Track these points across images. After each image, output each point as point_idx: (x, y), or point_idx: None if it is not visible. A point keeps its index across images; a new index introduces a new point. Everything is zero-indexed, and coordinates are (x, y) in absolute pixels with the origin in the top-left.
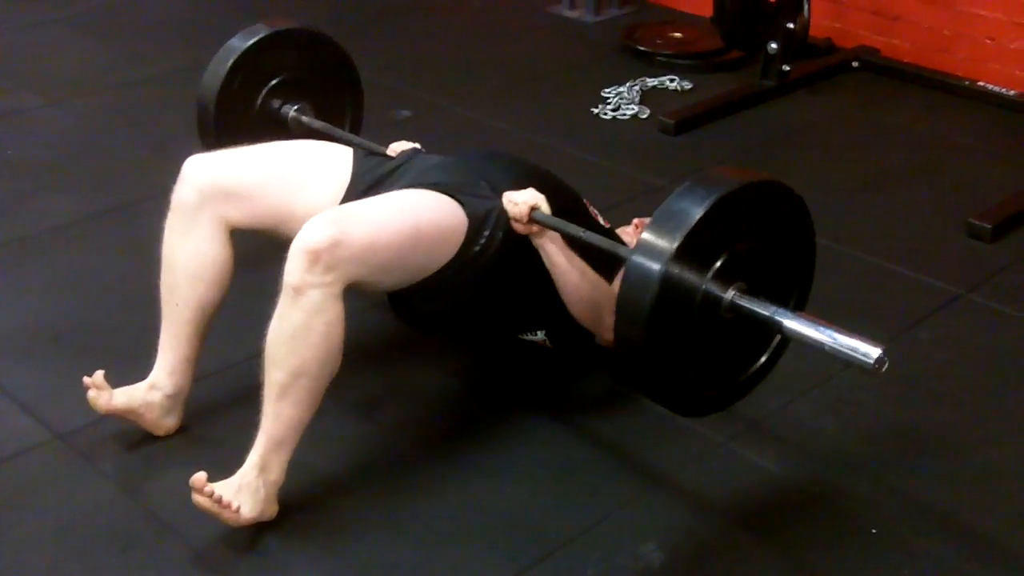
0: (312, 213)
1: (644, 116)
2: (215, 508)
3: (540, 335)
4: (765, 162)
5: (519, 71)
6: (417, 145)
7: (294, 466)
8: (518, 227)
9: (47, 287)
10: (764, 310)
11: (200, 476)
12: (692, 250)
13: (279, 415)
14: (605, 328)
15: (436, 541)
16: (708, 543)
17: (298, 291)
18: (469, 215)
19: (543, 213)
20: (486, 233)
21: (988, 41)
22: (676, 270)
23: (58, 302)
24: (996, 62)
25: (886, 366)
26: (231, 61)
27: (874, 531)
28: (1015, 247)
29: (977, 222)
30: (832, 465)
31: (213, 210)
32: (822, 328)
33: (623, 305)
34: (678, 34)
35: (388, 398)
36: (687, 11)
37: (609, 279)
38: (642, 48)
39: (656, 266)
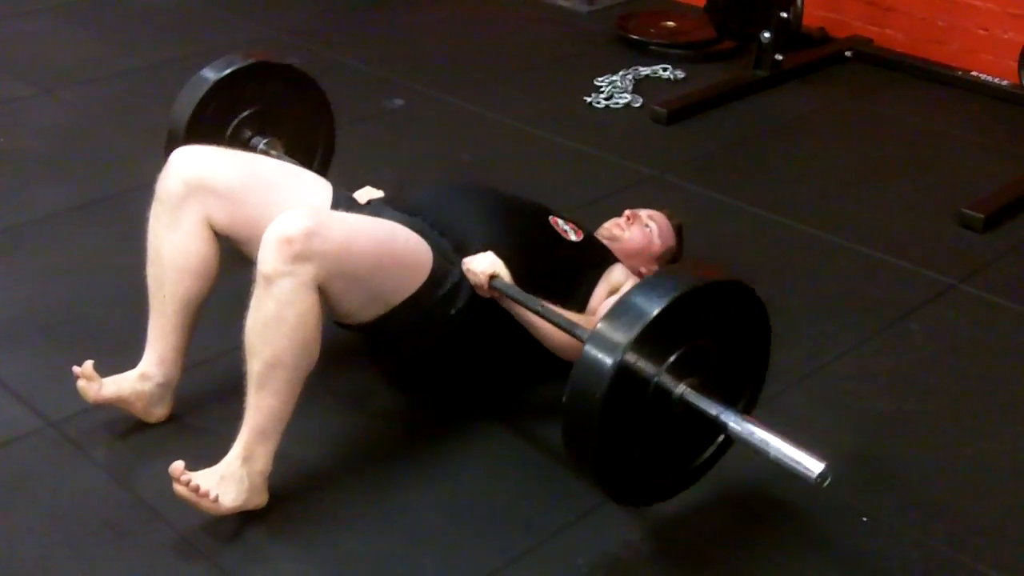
0: None
1: (637, 105)
2: (193, 497)
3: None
4: (757, 153)
5: (512, 60)
6: (380, 192)
7: (281, 456)
8: (480, 292)
9: (38, 276)
10: (712, 409)
11: (178, 465)
12: (647, 344)
13: (259, 406)
14: None
15: (425, 532)
16: (699, 531)
17: (269, 280)
18: (435, 261)
19: (502, 281)
20: (448, 286)
21: (981, 31)
22: (630, 362)
23: (49, 291)
24: (989, 52)
25: (828, 482)
26: (204, 91)
27: (865, 519)
28: (1008, 238)
29: (970, 212)
30: (825, 456)
31: (198, 203)
32: (766, 436)
33: (574, 394)
34: (671, 23)
35: (376, 390)
36: (680, 0)
37: (583, 304)
38: (635, 37)
39: (609, 359)
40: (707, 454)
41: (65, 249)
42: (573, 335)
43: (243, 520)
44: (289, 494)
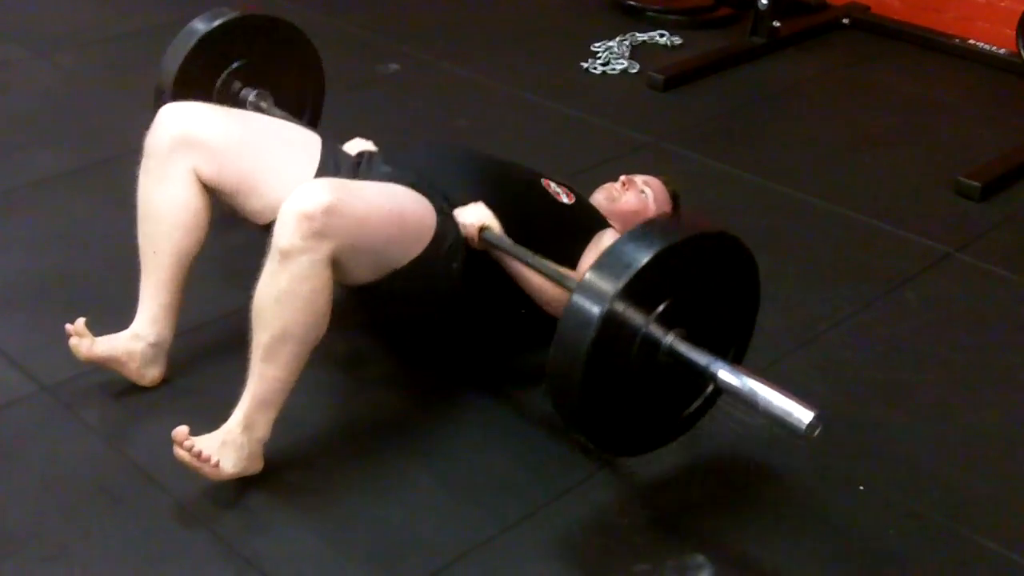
0: (276, 190)
1: (634, 71)
2: (195, 462)
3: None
4: (753, 120)
5: (508, 25)
6: (370, 143)
7: (279, 422)
8: (471, 244)
9: (32, 240)
10: (700, 359)
11: (182, 430)
12: (635, 294)
13: (264, 376)
14: None
15: (421, 498)
16: (695, 500)
17: (286, 255)
18: (437, 221)
19: (492, 232)
20: (448, 243)
21: None
22: (617, 311)
23: (43, 255)
24: (986, 21)
25: (818, 431)
26: (192, 43)
27: (861, 488)
28: (1004, 206)
29: (966, 180)
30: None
31: (186, 156)
32: (755, 384)
33: (560, 342)
34: None
35: (375, 356)
36: None
37: (573, 266)
38: (632, 3)
39: (596, 308)
40: (695, 405)
41: (59, 213)
42: (562, 286)
43: (240, 486)
44: (287, 461)
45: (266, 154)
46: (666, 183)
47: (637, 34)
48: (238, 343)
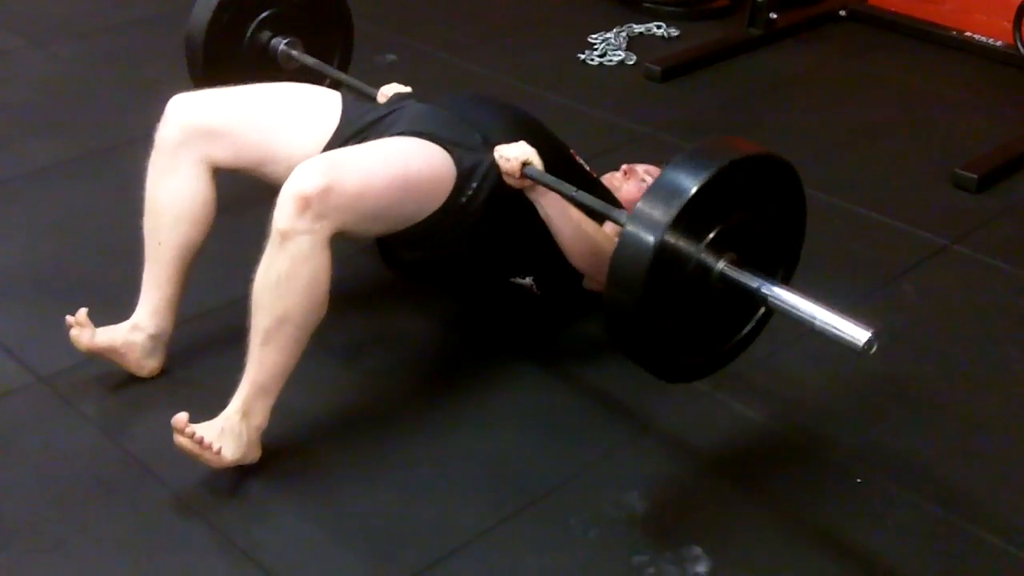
0: (295, 156)
1: (631, 63)
2: (196, 449)
3: (528, 280)
4: (751, 111)
5: (505, 16)
6: (408, 89)
7: (277, 411)
8: (510, 181)
9: (30, 230)
10: (752, 282)
11: (182, 417)
12: (687, 222)
13: (263, 361)
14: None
15: (419, 488)
16: (692, 491)
17: (285, 237)
18: (458, 166)
19: (535, 168)
20: (473, 185)
21: None
22: (670, 241)
23: (41, 246)
24: (983, 13)
25: (875, 348)
26: None
27: (859, 480)
28: (1001, 198)
29: (963, 173)
30: (816, 415)
31: (196, 148)
32: (810, 305)
33: (616, 272)
34: None
35: (373, 343)
36: None
37: (601, 222)
38: None
39: (651, 237)
40: (747, 329)
41: (56, 203)
42: (610, 218)
43: (238, 476)
44: (285, 449)
45: (281, 122)
46: None
47: (634, 25)
48: (237, 333)
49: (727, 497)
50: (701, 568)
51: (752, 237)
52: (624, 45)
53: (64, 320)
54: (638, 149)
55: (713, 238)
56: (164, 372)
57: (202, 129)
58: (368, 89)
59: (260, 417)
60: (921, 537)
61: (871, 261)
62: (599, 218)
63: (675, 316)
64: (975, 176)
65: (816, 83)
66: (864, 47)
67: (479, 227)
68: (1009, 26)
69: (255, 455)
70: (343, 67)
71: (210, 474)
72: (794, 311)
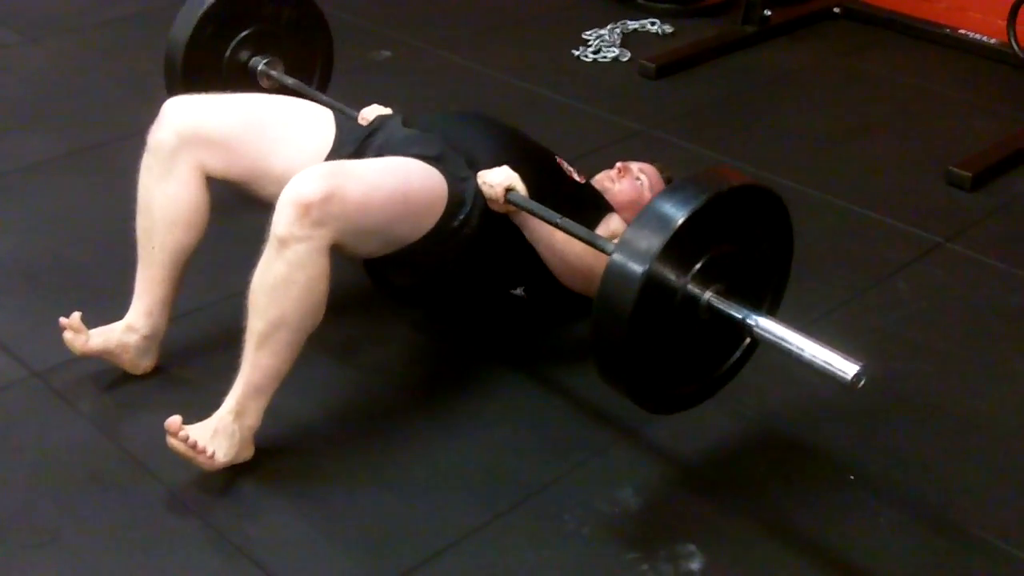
0: (290, 172)
1: (625, 59)
2: (189, 452)
3: (519, 290)
4: (745, 109)
5: (500, 12)
6: (389, 110)
7: (271, 410)
8: (494, 207)
9: (23, 225)
10: (739, 313)
11: (175, 420)
12: (674, 252)
13: (257, 364)
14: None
15: (412, 485)
16: (685, 488)
17: (283, 243)
18: (450, 190)
19: (518, 194)
20: (466, 210)
21: None
22: (657, 271)
23: (34, 240)
24: (978, 11)
25: (863, 383)
26: (201, 11)
27: (852, 477)
28: (995, 196)
29: (958, 170)
30: (811, 413)
31: (190, 154)
32: (797, 337)
33: (603, 302)
34: None
35: (367, 343)
36: None
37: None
38: None
39: (638, 268)
40: (733, 359)
41: (50, 198)
42: (595, 246)
43: (232, 474)
44: (278, 447)
45: (276, 139)
46: (661, 170)
47: (628, 22)
48: (232, 331)
49: (721, 494)
50: (694, 565)
51: (739, 268)
52: (619, 42)
53: (58, 316)
54: (631, 146)
55: (700, 268)
56: (158, 369)
57: (198, 136)
58: (349, 111)
59: (253, 417)
60: (915, 535)
61: (865, 259)
62: (587, 219)
63: (662, 346)
64: (969, 174)
65: (810, 80)
66: (858, 44)
67: (472, 250)
68: (1003, 24)
69: (248, 454)
70: (322, 88)
71: (203, 472)
72: (781, 342)
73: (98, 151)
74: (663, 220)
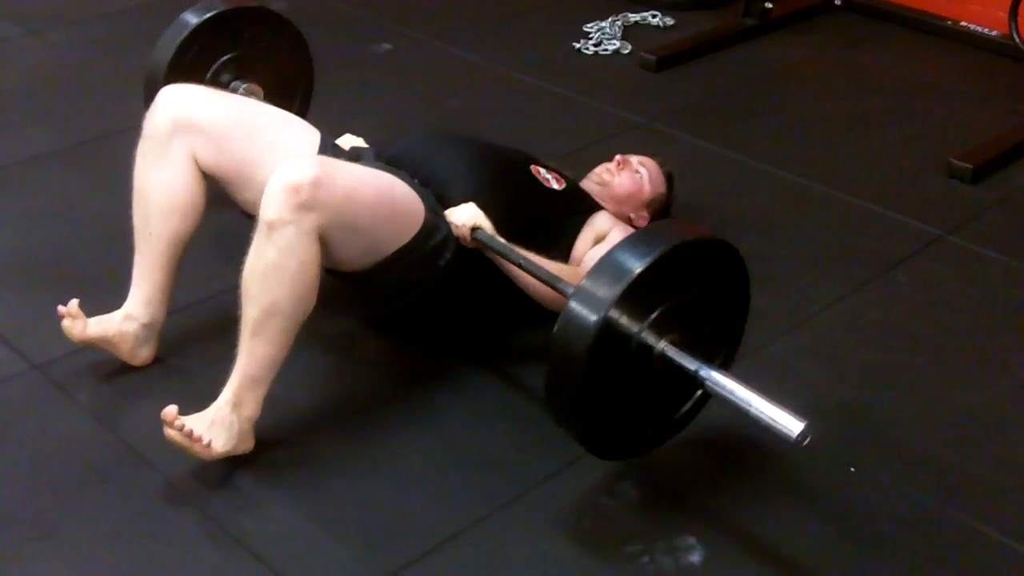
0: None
1: (626, 52)
2: (186, 442)
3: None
4: (745, 101)
5: (501, 5)
6: (363, 143)
7: (269, 401)
8: (464, 243)
9: (22, 218)
10: (691, 365)
11: (171, 409)
12: (630, 301)
13: (253, 352)
14: None
15: (412, 478)
16: (683, 480)
17: (272, 227)
18: (426, 212)
19: (484, 233)
20: (439, 237)
21: None
22: (613, 319)
23: (33, 233)
24: (979, 3)
25: (807, 441)
26: (184, 34)
27: (852, 469)
28: (996, 189)
29: (958, 163)
30: (810, 406)
31: (184, 140)
32: (746, 393)
33: (558, 346)
34: None
35: (366, 336)
36: None
37: (566, 252)
38: None
39: (594, 315)
40: (686, 408)
41: (50, 191)
42: (556, 289)
43: (230, 466)
44: (276, 439)
45: (265, 144)
46: (661, 163)
47: (629, 14)
48: (230, 322)
49: (721, 487)
50: (695, 557)
51: (696, 319)
52: (619, 34)
53: (57, 308)
54: (633, 138)
55: (656, 318)
56: (157, 360)
57: (192, 124)
58: (327, 138)
59: (251, 408)
60: (915, 527)
61: (865, 251)
62: (548, 284)
63: (615, 393)
64: (970, 167)
65: (811, 73)
66: (859, 37)
67: (452, 284)
68: (1005, 16)
69: (248, 446)
70: (302, 113)
71: (202, 463)
72: (729, 396)
73: (98, 143)
74: (621, 269)
